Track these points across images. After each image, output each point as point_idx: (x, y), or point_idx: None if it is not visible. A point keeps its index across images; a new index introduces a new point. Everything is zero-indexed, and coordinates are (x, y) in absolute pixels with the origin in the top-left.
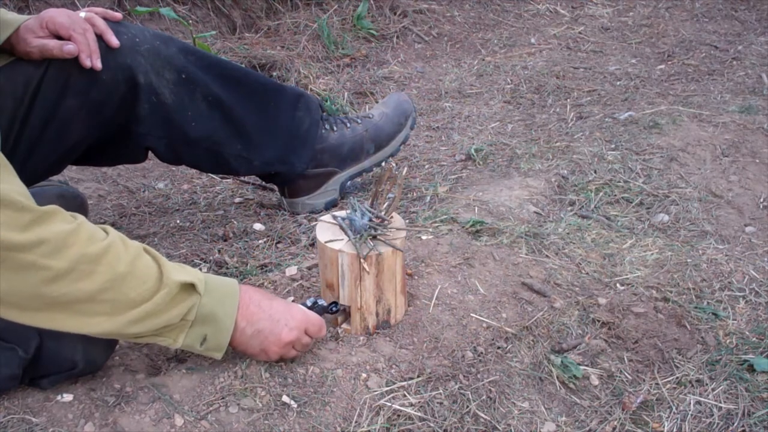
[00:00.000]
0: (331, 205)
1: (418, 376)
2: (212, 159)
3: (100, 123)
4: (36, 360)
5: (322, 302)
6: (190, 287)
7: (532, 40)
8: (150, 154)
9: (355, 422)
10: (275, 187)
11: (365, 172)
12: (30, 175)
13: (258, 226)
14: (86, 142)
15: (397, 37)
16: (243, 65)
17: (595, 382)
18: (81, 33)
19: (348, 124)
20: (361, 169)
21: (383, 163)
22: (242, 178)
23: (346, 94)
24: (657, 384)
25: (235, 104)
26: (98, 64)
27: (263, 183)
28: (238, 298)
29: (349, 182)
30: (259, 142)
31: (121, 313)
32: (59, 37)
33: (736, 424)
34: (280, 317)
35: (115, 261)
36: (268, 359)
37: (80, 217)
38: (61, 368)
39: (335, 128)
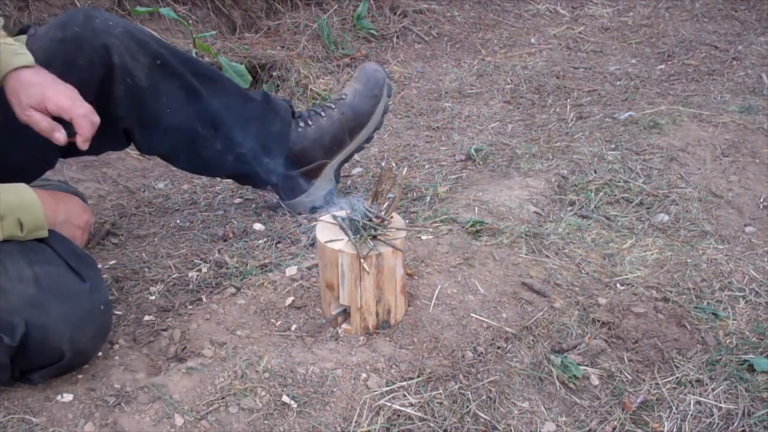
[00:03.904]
0: (330, 196)
1: (418, 376)
2: (186, 149)
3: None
4: (23, 350)
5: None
6: None
7: (532, 40)
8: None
9: (355, 422)
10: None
11: (357, 152)
12: (19, 169)
13: (258, 226)
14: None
15: (397, 37)
16: (243, 65)
17: (595, 382)
18: (83, 116)
19: (323, 114)
20: (351, 152)
21: (372, 140)
22: None
23: None
24: (657, 384)
25: (209, 97)
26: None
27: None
28: (24, 185)
29: (355, 180)
30: (232, 137)
31: None
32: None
33: (736, 424)
34: (69, 203)
35: None
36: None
37: None
38: (49, 358)
39: (310, 122)
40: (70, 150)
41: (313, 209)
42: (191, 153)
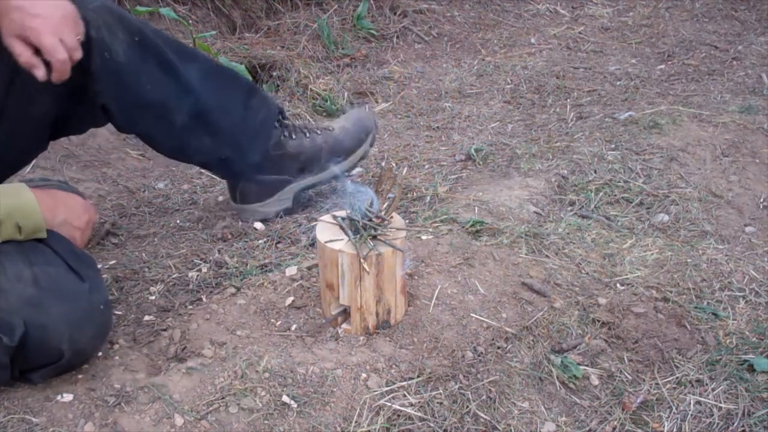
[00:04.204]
0: (282, 214)
1: (418, 376)
2: (164, 129)
3: (64, 88)
4: (23, 349)
5: None
6: None
7: (532, 40)
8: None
9: (355, 422)
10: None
11: (320, 184)
12: (7, 154)
13: (258, 226)
14: (55, 111)
15: (397, 37)
16: (243, 65)
17: (595, 382)
18: (62, 62)
19: (307, 134)
20: (317, 182)
21: (354, 171)
22: None
23: (346, 94)
24: (657, 384)
25: (189, 77)
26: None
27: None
28: (24, 186)
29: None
30: (210, 118)
31: None
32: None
33: (736, 424)
34: (69, 204)
35: None
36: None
37: None
38: (49, 358)
39: (294, 136)
40: (58, 130)
41: (264, 221)
42: (169, 133)
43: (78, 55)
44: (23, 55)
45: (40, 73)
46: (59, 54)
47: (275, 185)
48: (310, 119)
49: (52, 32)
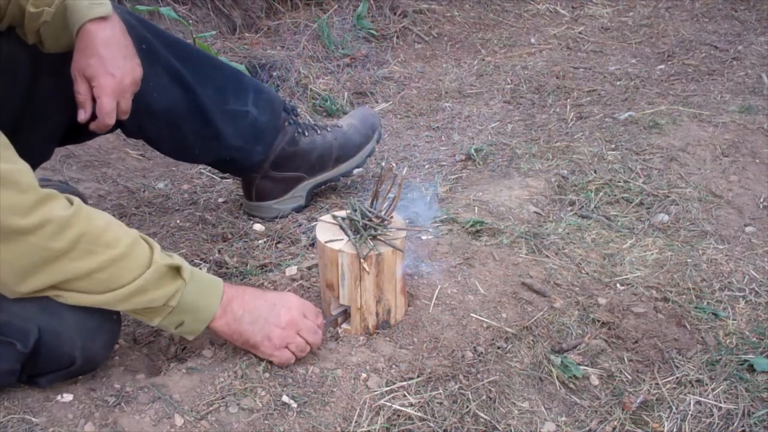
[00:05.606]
0: (296, 211)
1: (418, 376)
2: (172, 133)
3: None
4: (35, 355)
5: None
6: (176, 271)
7: (532, 40)
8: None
9: (355, 422)
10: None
11: (332, 181)
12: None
13: (258, 226)
14: (68, 120)
15: (397, 37)
16: (243, 65)
17: (595, 382)
18: (108, 125)
19: (318, 131)
20: (328, 178)
21: (355, 171)
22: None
23: (346, 94)
24: (657, 384)
25: (193, 81)
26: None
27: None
28: (221, 291)
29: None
30: (216, 122)
31: (110, 291)
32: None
33: (736, 424)
34: (275, 301)
35: (113, 242)
36: (274, 348)
37: (76, 199)
38: (59, 365)
39: (306, 133)
40: (67, 138)
41: (273, 219)
42: (177, 137)
43: (124, 117)
44: (82, 94)
45: (83, 116)
46: (110, 119)
47: (290, 182)
48: (311, 119)
49: (115, 95)
